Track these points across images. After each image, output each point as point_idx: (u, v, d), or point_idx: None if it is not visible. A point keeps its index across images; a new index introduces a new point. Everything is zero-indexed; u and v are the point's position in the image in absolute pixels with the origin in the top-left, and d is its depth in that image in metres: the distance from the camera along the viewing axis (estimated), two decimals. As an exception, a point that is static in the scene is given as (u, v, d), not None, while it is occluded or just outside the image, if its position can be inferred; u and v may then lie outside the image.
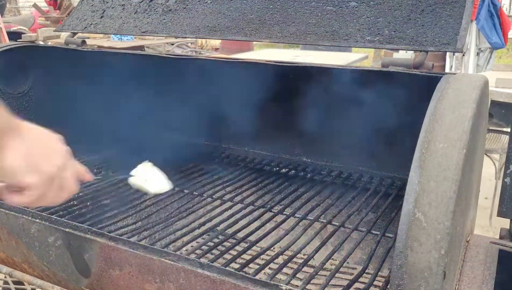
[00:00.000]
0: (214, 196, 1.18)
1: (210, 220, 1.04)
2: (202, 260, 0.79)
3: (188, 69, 1.47)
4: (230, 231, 1.01)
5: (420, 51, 0.98)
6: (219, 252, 0.91)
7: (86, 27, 1.40)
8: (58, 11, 4.90)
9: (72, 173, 0.74)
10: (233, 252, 1.07)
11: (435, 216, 0.60)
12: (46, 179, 0.67)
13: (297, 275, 0.84)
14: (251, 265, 0.90)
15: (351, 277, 0.85)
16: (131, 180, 1.08)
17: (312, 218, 1.06)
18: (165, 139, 1.61)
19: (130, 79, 1.53)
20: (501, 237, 0.98)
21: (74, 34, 1.46)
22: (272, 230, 1.00)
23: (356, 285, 0.83)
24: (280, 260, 0.97)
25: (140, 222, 1.07)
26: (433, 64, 1.00)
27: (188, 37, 1.26)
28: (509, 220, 0.97)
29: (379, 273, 0.85)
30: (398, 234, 0.61)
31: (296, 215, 1.09)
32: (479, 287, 0.79)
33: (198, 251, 0.92)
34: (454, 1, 1.00)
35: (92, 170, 1.34)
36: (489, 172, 3.00)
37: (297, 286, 0.76)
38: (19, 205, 0.71)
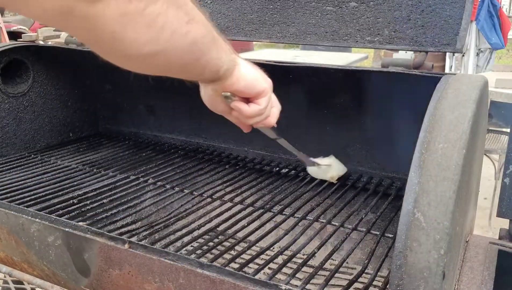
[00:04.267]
0: (214, 196, 1.19)
1: (210, 220, 1.04)
2: (202, 260, 0.79)
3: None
4: (229, 231, 1.01)
5: (420, 51, 0.98)
6: (219, 252, 0.91)
7: (86, 27, 1.40)
8: (58, 10, 4.88)
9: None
10: (233, 252, 1.07)
11: (434, 216, 0.60)
12: (270, 85, 0.79)
13: (296, 275, 0.84)
14: (250, 265, 0.90)
15: (350, 277, 0.85)
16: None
17: (311, 218, 1.06)
18: (164, 138, 1.62)
19: (129, 78, 1.53)
20: (500, 238, 0.98)
21: (74, 33, 1.46)
22: (272, 230, 1.00)
23: (356, 285, 0.83)
24: (279, 260, 0.97)
25: (139, 222, 1.07)
26: (433, 65, 1.00)
27: (188, 37, 1.26)
28: (508, 220, 0.97)
29: (379, 273, 0.85)
30: (397, 234, 0.62)
31: (295, 215, 1.09)
32: (479, 287, 0.79)
33: (197, 251, 0.92)
34: (454, 1, 1.00)
35: (92, 169, 1.35)
36: (489, 173, 3.00)
37: (296, 286, 0.76)
38: (254, 114, 0.77)
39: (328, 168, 1.08)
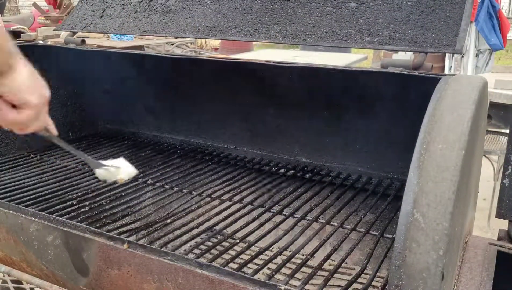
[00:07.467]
0: (212, 196, 1.18)
1: (208, 219, 1.04)
2: (201, 260, 0.79)
3: (187, 69, 1.47)
4: (228, 231, 1.01)
5: (420, 52, 0.98)
6: (218, 252, 0.91)
7: (85, 27, 1.40)
8: (57, 10, 4.87)
9: (46, 111, 0.83)
10: (232, 252, 1.07)
11: (433, 217, 0.60)
12: (42, 103, 0.78)
13: (295, 275, 0.84)
14: (249, 265, 0.90)
15: (349, 278, 0.85)
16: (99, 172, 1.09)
17: (311, 218, 1.06)
18: (163, 138, 1.62)
19: (129, 78, 1.53)
20: (499, 239, 0.98)
21: (74, 33, 1.46)
22: (271, 230, 1.00)
23: (355, 285, 0.82)
24: (278, 260, 0.96)
25: (138, 222, 1.07)
26: (432, 65, 1.00)
27: (188, 37, 1.26)
28: (507, 221, 0.97)
29: (378, 273, 0.85)
30: (396, 235, 0.62)
31: (295, 215, 1.09)
32: (477, 288, 0.79)
33: (196, 251, 0.92)
34: (453, 2, 1.01)
35: (91, 169, 1.34)
36: (488, 174, 3.00)
37: (295, 286, 0.76)
38: (12, 121, 0.77)
39: (117, 170, 1.07)
